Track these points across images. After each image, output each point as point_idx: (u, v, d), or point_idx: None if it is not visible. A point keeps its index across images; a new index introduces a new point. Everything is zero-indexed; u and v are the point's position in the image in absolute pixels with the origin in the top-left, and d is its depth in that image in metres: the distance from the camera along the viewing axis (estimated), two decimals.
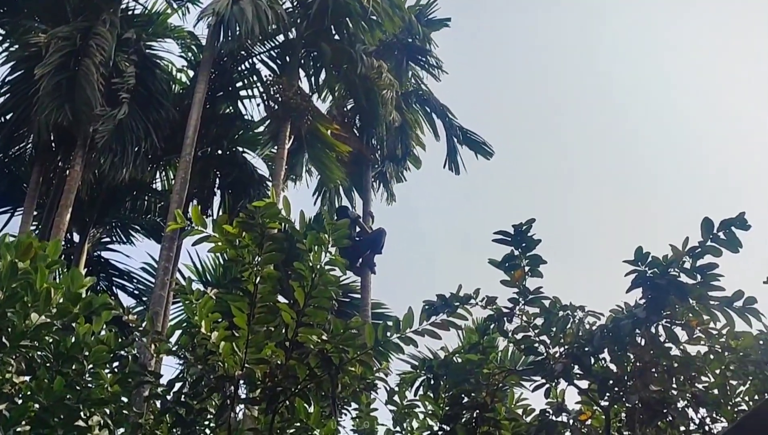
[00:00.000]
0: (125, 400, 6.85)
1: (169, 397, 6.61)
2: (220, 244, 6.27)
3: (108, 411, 6.56)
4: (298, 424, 6.69)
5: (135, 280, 19.59)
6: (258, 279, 6.24)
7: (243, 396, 6.77)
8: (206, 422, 6.71)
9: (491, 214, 37.20)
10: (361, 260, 16.91)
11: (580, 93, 41.07)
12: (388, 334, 6.27)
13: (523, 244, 6.33)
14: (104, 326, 6.68)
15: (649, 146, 37.88)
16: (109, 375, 6.73)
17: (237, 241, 6.20)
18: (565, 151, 39.08)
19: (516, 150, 38.79)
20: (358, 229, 16.56)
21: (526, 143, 40.22)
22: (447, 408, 7.04)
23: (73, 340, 6.34)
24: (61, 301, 6.11)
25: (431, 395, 7.23)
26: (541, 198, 37.38)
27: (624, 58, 38.78)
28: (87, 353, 6.42)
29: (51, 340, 6.21)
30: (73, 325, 6.26)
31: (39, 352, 6.23)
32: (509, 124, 39.61)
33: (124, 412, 6.69)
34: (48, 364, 6.27)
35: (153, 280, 18.07)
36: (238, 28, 15.89)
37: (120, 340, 6.89)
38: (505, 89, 42.14)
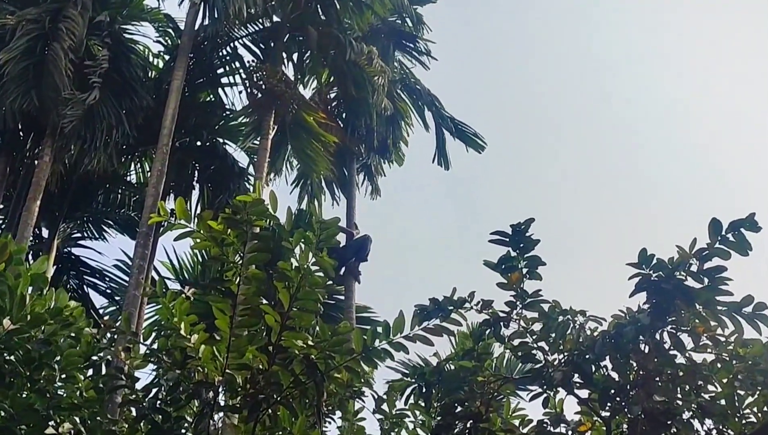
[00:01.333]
0: (99, 406, 6.88)
1: (144, 404, 6.62)
2: (203, 240, 6.30)
3: (80, 418, 6.59)
4: (281, 433, 6.71)
5: (107, 279, 19.56)
6: (241, 279, 6.27)
7: (223, 403, 6.80)
8: (183, 430, 6.71)
9: (485, 213, 37.31)
10: (344, 268, 16.96)
11: (577, 87, 41.30)
12: (378, 339, 6.32)
13: (521, 245, 6.36)
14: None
15: (652, 142, 38.14)
16: (84, 381, 6.77)
17: (221, 238, 6.22)
18: (562, 145, 39.30)
19: (510, 144, 38.89)
20: (341, 235, 16.61)
21: (521, 138, 40.38)
22: (439, 418, 7.05)
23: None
24: (37, 310, 6.16)
25: (422, 404, 7.26)
26: (536, 195, 37.66)
27: (627, 48, 38.96)
28: (59, 357, 6.45)
29: (21, 347, 6.24)
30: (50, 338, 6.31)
31: (10, 357, 6.25)
32: (502, 117, 39.74)
33: (97, 418, 6.72)
34: (17, 370, 6.29)
35: (127, 279, 18.09)
36: (225, 7, 15.88)
37: (94, 343, 6.91)
38: (500, 81, 42.32)
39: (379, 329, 6.36)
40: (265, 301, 6.46)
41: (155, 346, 6.93)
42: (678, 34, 37.27)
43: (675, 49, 38.73)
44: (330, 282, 6.58)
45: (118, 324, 6.85)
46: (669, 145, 38.64)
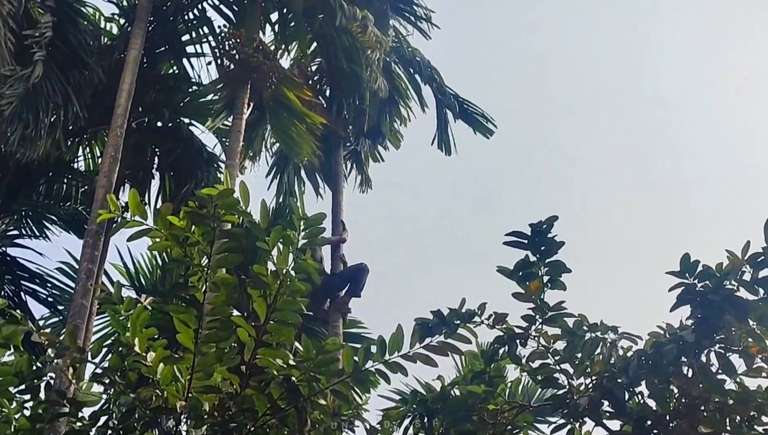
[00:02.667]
0: None
1: (92, 433, 6.61)
2: (161, 239, 6.28)
3: None
4: None
5: (49, 285, 19.45)
6: (208, 285, 6.25)
7: (186, 433, 6.79)
8: None
9: (499, 211, 37.31)
10: (329, 302, 16.38)
11: (593, 76, 41.53)
12: (371, 358, 6.31)
13: (542, 248, 6.37)
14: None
15: (689, 134, 38.44)
16: (14, 406, 6.76)
17: (184, 236, 6.20)
18: (581, 135, 39.41)
19: (523, 130, 38.91)
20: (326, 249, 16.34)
21: (536, 122, 40.48)
22: None
23: None
24: None
25: None
26: (559, 189, 37.59)
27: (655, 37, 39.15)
28: None
29: None
30: None
31: None
32: (514, 99, 39.78)
33: None
34: None
35: (72, 285, 18.03)
36: None
37: (33, 365, 6.90)
38: (510, 61, 42.36)
39: (373, 347, 6.36)
40: (236, 312, 6.46)
41: (106, 364, 6.92)
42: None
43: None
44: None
45: (61, 338, 6.84)
46: (708, 139, 38.96)
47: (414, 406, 7.21)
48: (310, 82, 20.12)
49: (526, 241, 6.37)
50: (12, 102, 14.58)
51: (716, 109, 40.08)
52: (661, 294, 6.12)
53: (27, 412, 7.08)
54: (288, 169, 20.29)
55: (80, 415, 6.73)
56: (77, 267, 14.53)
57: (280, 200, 20.18)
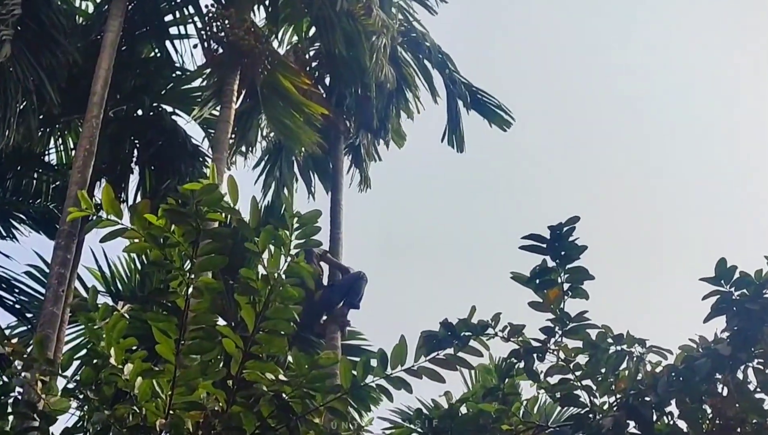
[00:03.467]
0: None
1: None
2: (139, 240, 6.25)
3: None
4: None
5: (17, 290, 19.45)
6: (191, 291, 6.23)
7: None
8: None
9: (515, 213, 37.28)
10: (325, 316, 16.31)
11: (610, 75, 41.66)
12: (372, 373, 6.30)
13: (562, 253, 6.35)
14: None
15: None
16: None
17: (163, 237, 6.17)
18: (601, 133, 39.57)
19: (545, 125, 38.97)
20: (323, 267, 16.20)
21: (556, 116, 40.56)
22: None
23: None
24: None
25: None
26: (581, 191, 37.61)
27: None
28: None
29: None
30: None
31: None
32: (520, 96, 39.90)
33: None
34: None
35: (42, 290, 18.02)
36: None
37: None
38: (523, 53, 42.50)
39: (373, 360, 6.34)
40: (222, 321, 6.45)
41: (78, 378, 6.90)
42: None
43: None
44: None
45: (29, 349, 6.82)
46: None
47: (419, 424, 7.17)
48: (308, 69, 20.09)
49: (544, 245, 6.35)
50: None
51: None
52: (694, 303, 6.12)
53: None
54: (280, 162, 20.17)
55: (51, 432, 6.71)
56: (47, 271, 14.51)
57: (269, 198, 20.14)
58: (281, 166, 20.34)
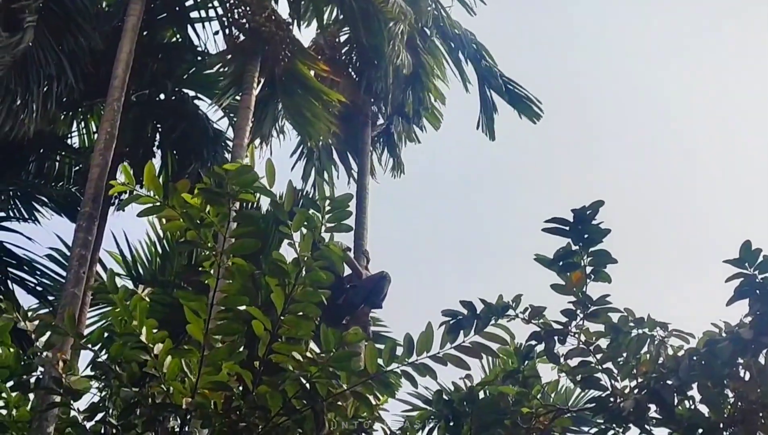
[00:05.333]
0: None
1: (88, 428, 6.58)
2: (175, 219, 6.24)
3: None
4: None
5: (39, 273, 19.48)
6: (220, 272, 6.22)
7: (191, 433, 6.79)
8: None
9: (535, 198, 37.23)
10: (348, 318, 15.85)
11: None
12: (396, 360, 6.31)
13: (586, 236, 6.34)
14: None
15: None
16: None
17: (200, 217, 6.16)
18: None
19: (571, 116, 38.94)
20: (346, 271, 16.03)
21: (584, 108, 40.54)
22: None
23: None
24: None
25: None
26: (611, 177, 37.57)
27: None
28: None
29: None
30: None
31: None
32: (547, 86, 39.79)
33: None
34: None
35: (63, 273, 18.04)
36: None
37: (21, 359, 6.90)
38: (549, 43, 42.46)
39: (399, 347, 6.33)
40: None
41: (103, 356, 6.90)
42: None
43: None
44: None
45: (54, 326, 6.81)
46: None
47: (439, 406, 7.15)
48: (339, 55, 20.05)
49: (567, 228, 6.32)
50: (1, 71, 14.56)
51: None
52: (718, 287, 6.10)
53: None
54: (312, 145, 20.11)
55: (75, 406, 6.72)
56: (68, 253, 14.51)
57: (309, 184, 20.13)
58: (320, 155, 20.29)
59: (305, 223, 6.20)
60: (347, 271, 15.38)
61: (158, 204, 6.25)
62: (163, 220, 6.36)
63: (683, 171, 39.57)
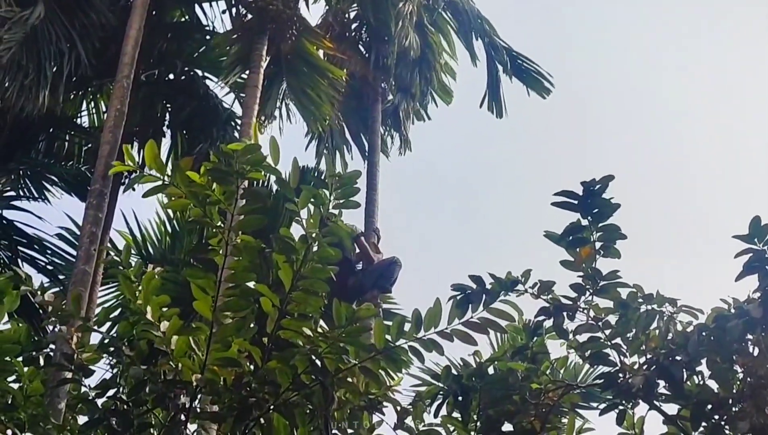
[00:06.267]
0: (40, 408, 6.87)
1: (99, 405, 6.57)
2: (180, 197, 6.22)
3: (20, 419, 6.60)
4: None
5: (49, 251, 19.50)
6: (228, 249, 6.21)
7: (201, 409, 6.78)
8: None
9: (552, 174, 37.20)
10: (358, 301, 15.44)
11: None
12: (404, 336, 6.31)
13: (595, 211, 6.29)
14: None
15: None
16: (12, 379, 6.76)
17: (204, 195, 6.14)
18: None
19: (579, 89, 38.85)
20: (357, 252, 15.90)
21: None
22: None
23: None
24: None
25: (458, 417, 7.22)
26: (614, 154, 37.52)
27: None
28: None
29: None
30: None
31: None
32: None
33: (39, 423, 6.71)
34: None
35: (73, 252, 18.04)
36: None
37: (32, 335, 6.89)
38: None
39: (407, 322, 6.32)
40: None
41: (115, 332, 6.89)
42: None
43: None
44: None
45: (64, 305, 6.80)
46: None
47: (448, 382, 7.11)
48: (348, 32, 20.01)
49: (576, 202, 6.27)
50: (10, 47, 14.51)
51: None
52: (727, 263, 6.06)
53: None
54: (316, 127, 19.97)
55: (86, 383, 6.71)
56: (78, 233, 14.50)
57: (322, 163, 20.01)
58: (331, 134, 20.22)
59: (312, 199, 6.18)
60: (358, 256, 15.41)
61: (161, 183, 6.23)
62: (167, 199, 6.30)
63: (692, 145, 39.51)
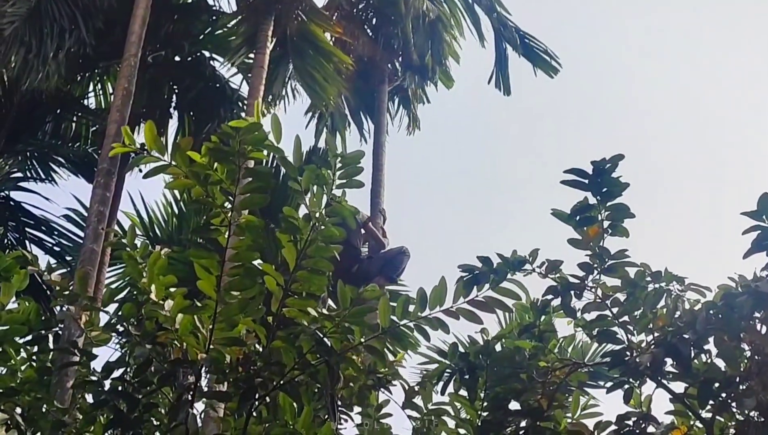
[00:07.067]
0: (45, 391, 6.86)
1: (105, 386, 6.55)
2: (181, 178, 6.19)
3: (19, 405, 6.57)
4: (282, 428, 6.65)
5: (56, 233, 19.51)
6: (231, 228, 6.17)
7: (207, 388, 6.76)
8: (155, 422, 6.67)
9: (559, 154, 37.18)
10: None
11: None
12: (409, 315, 6.26)
13: (604, 189, 6.24)
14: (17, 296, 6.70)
15: None
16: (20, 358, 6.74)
17: (205, 174, 6.10)
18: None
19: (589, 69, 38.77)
20: (364, 240, 15.66)
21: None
22: (487, 414, 7.01)
23: None
24: None
25: (465, 395, 7.20)
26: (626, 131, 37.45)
27: None
28: None
29: None
30: None
31: None
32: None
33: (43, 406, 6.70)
34: None
35: (80, 234, 18.06)
36: None
37: (41, 313, 6.87)
38: None
39: (412, 301, 6.28)
40: (261, 261, 6.38)
41: (120, 313, 6.87)
42: None
43: None
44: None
45: (71, 285, 6.79)
46: None
47: (455, 360, 7.08)
48: (356, 11, 19.95)
49: (586, 181, 6.22)
50: (13, 21, 14.50)
51: None
52: (735, 241, 6.01)
53: (34, 364, 7.08)
54: (322, 108, 19.92)
55: (92, 366, 6.70)
56: (86, 214, 14.49)
57: (322, 142, 19.96)
58: (333, 114, 20.15)
59: (315, 179, 6.14)
60: (365, 245, 15.32)
61: (161, 164, 6.16)
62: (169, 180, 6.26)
63: (700, 126, 39.47)
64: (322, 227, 6.18)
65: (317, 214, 6.17)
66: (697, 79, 41.30)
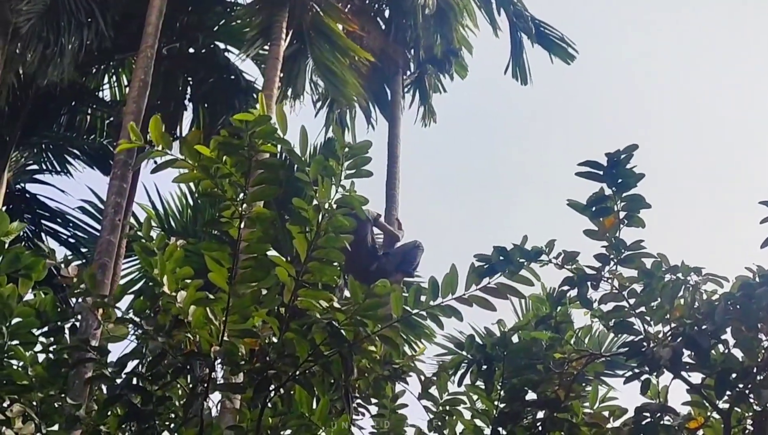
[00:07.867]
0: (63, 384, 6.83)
1: (119, 381, 6.53)
2: (190, 171, 6.15)
3: (35, 400, 6.54)
4: (297, 420, 6.67)
5: (71, 225, 19.55)
6: (243, 221, 6.13)
7: (221, 380, 6.72)
8: (170, 415, 6.65)
9: (575, 143, 37.10)
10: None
11: None
12: (422, 303, 6.20)
13: (619, 181, 6.19)
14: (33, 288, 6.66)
15: None
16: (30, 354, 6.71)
17: (215, 168, 6.06)
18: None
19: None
20: (378, 235, 15.81)
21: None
22: (503, 405, 6.97)
23: None
24: None
25: (482, 386, 7.16)
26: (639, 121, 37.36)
27: None
28: (7, 323, 6.39)
29: None
30: None
31: None
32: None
33: (57, 401, 6.67)
34: None
35: (95, 226, 18.10)
36: None
37: (58, 305, 6.83)
38: None
39: (424, 289, 6.23)
40: (274, 252, 6.35)
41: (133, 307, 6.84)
42: None
43: None
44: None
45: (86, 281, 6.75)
46: None
47: (471, 351, 7.05)
48: (368, 2, 19.89)
49: (601, 172, 6.18)
50: (30, 18, 14.50)
51: None
52: (752, 231, 5.96)
53: (43, 357, 7.04)
54: (342, 104, 19.83)
55: (107, 360, 6.66)
56: (101, 207, 14.55)
57: (330, 132, 19.89)
58: (348, 108, 20.07)
59: (323, 170, 6.09)
60: (379, 240, 15.34)
61: (169, 158, 6.13)
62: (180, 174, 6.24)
63: (715, 115, 39.36)
64: (332, 218, 6.13)
65: (326, 205, 6.12)
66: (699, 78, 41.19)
